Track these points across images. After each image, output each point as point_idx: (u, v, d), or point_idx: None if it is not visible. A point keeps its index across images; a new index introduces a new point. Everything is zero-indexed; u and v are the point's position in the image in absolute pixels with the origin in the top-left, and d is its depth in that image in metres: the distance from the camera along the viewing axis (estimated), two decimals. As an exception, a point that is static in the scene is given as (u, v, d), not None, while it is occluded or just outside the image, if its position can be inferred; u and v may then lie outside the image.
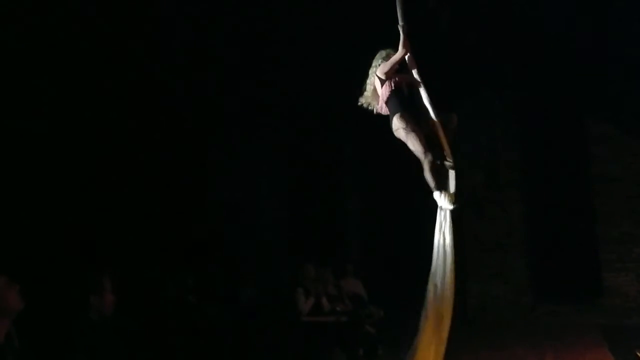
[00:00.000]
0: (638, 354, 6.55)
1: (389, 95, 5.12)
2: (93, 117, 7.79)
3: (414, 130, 4.91)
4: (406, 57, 5.15)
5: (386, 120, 5.04)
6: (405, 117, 4.96)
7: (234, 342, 7.82)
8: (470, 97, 9.47)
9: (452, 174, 5.00)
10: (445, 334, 4.75)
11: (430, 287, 4.82)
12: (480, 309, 9.43)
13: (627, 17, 8.26)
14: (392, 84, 5.09)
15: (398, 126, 4.98)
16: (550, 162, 9.55)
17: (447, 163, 5.00)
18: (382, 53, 5.34)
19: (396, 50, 5.18)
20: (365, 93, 5.33)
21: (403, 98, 5.09)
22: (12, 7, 6.58)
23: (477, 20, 8.79)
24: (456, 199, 4.93)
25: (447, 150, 4.98)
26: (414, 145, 4.91)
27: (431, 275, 4.82)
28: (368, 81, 5.31)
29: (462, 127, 8.93)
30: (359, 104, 5.34)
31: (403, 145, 4.88)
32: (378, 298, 8.77)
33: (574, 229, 9.31)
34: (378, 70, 5.18)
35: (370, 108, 5.29)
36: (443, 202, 4.93)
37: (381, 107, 5.21)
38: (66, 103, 7.55)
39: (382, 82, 5.16)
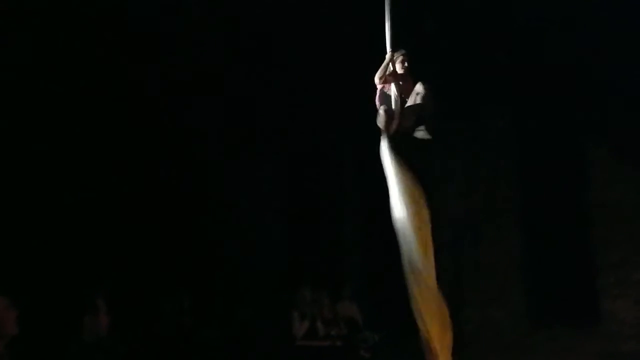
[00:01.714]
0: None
1: (381, 90, 5.68)
2: (90, 134, 7.94)
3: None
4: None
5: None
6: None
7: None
8: (467, 120, 9.45)
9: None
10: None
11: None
12: (477, 334, 9.27)
13: (628, 43, 8.34)
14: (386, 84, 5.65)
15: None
16: (548, 187, 9.44)
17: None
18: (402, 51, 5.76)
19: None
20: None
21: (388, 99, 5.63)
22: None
23: (474, 43, 8.84)
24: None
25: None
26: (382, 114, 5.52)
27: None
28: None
29: (459, 150, 9.28)
30: None
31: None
32: (375, 322, 8.72)
33: (571, 254, 9.19)
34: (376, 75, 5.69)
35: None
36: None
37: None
38: (65, 121, 7.73)
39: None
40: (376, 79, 5.56)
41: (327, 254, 9.49)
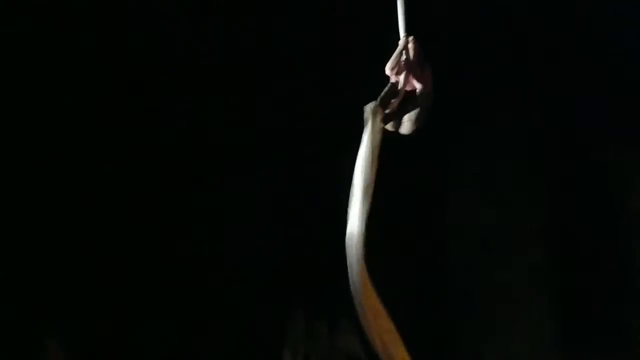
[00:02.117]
0: None
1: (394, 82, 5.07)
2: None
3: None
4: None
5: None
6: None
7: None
8: (483, 124, 8.71)
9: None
10: None
11: None
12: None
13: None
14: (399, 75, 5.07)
15: None
16: (578, 197, 8.64)
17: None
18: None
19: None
20: None
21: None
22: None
23: (494, 41, 8.40)
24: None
25: None
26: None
27: None
28: None
29: (474, 157, 8.76)
30: None
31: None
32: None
33: (608, 275, 8.41)
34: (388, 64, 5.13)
35: None
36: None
37: None
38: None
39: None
40: (387, 70, 5.03)
41: (325, 276, 8.31)
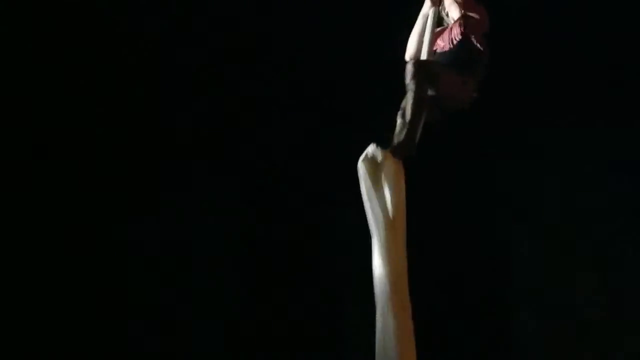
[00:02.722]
0: None
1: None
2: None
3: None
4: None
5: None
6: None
7: None
8: (556, 126, 7.25)
9: None
10: None
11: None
12: None
13: None
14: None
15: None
16: None
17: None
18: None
19: None
20: None
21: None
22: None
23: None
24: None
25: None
26: None
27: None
28: None
29: (545, 178, 7.68)
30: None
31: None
32: None
33: None
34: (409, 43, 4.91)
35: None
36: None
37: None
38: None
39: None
40: (407, 56, 4.73)
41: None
